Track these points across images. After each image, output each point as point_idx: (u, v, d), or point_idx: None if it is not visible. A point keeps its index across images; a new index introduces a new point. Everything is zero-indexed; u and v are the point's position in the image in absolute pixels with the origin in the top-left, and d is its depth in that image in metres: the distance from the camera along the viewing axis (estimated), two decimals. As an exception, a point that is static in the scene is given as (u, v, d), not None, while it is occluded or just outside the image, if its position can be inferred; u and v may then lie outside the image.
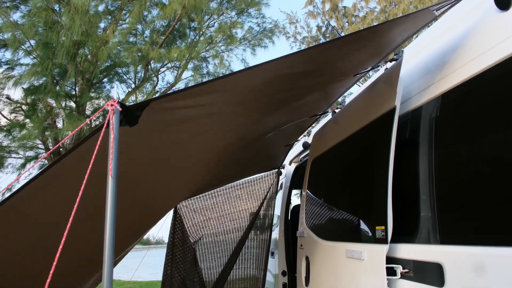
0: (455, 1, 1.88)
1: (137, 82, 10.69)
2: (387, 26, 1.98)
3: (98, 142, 1.41)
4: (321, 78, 2.32)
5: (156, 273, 12.90)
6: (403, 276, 1.74)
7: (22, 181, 8.00)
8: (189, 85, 11.07)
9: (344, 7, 14.01)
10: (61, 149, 9.21)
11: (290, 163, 4.72)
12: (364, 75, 2.55)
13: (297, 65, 1.94)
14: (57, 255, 1.25)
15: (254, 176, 4.90)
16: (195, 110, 1.92)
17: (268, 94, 2.21)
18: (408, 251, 1.75)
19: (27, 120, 9.19)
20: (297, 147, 4.45)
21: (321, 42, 13.74)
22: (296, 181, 4.62)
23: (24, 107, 9.72)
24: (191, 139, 2.34)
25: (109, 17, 9.68)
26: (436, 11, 1.93)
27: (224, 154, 3.02)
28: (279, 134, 3.29)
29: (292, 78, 2.11)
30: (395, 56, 2.24)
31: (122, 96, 10.15)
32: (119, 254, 3.44)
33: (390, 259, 1.79)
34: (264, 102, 2.32)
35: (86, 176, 1.35)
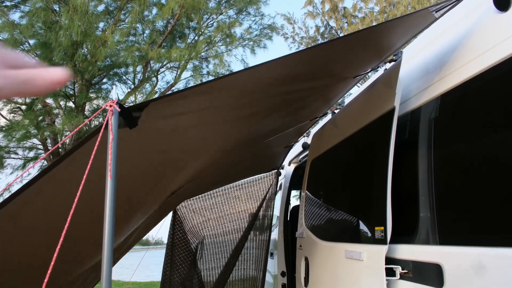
0: (455, 2, 1.88)
1: (136, 82, 10.68)
2: (386, 26, 1.98)
3: (97, 143, 1.41)
4: (321, 81, 2.31)
5: (155, 274, 12.88)
6: (403, 276, 1.74)
7: (23, 181, 7.98)
8: (189, 85, 11.07)
9: (344, 7, 14.01)
10: (60, 150, 9.20)
11: (289, 164, 4.72)
12: (363, 76, 2.55)
13: (297, 67, 1.94)
14: (55, 255, 1.25)
15: (254, 176, 4.90)
16: (195, 111, 1.91)
17: (269, 96, 2.21)
18: (407, 251, 1.75)
19: (27, 121, 9.17)
20: (297, 148, 4.45)
21: (319, 42, 13.74)
22: (295, 182, 4.62)
23: (23, 107, 9.71)
24: (191, 140, 2.34)
25: (108, 17, 9.67)
26: (436, 12, 1.92)
27: (225, 155, 3.02)
28: (279, 136, 3.29)
29: (292, 81, 2.11)
30: (394, 57, 2.24)
31: (121, 97, 10.13)
32: (116, 254, 3.43)
33: (389, 260, 1.79)
34: (265, 104, 2.32)
35: (84, 177, 1.35)
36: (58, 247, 1.25)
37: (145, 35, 10.42)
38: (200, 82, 10.48)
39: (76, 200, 1.32)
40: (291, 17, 14.56)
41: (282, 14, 14.78)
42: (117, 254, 3.45)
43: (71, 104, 9.23)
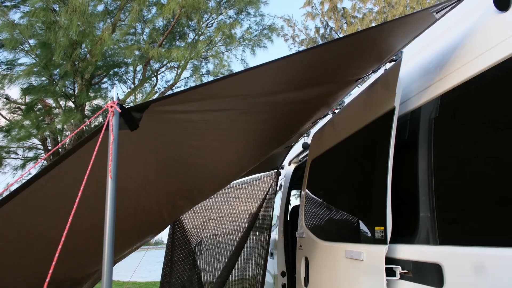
0: (455, 2, 1.88)
1: (136, 82, 10.67)
2: (387, 27, 1.97)
3: (98, 144, 1.41)
4: (322, 84, 2.31)
5: (155, 274, 12.88)
6: (403, 276, 1.74)
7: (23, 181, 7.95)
8: (189, 85, 11.07)
9: (343, 8, 13.99)
10: (60, 150, 9.19)
11: (289, 164, 4.72)
12: (364, 78, 2.55)
13: (298, 69, 1.93)
14: (56, 255, 1.25)
15: (253, 176, 4.90)
16: (195, 112, 1.91)
17: (269, 97, 2.20)
18: (408, 251, 1.75)
19: (27, 122, 9.16)
20: (297, 148, 4.45)
21: (319, 43, 13.72)
22: (295, 182, 4.62)
23: (22, 107, 9.70)
24: (191, 141, 2.34)
25: (108, 17, 9.66)
26: (436, 13, 1.92)
27: (225, 156, 3.01)
28: (279, 137, 3.29)
29: (292, 83, 2.10)
30: (394, 57, 2.24)
31: (121, 96, 10.12)
32: (116, 255, 3.43)
33: (389, 260, 1.79)
34: (266, 106, 2.31)
35: (85, 178, 1.35)
36: (60, 246, 1.25)
37: (145, 34, 10.42)
38: (200, 82, 10.49)
39: (77, 201, 1.32)
40: (291, 19, 14.56)
41: (281, 16, 14.78)
42: (121, 253, 3.44)
43: (71, 104, 9.21)
